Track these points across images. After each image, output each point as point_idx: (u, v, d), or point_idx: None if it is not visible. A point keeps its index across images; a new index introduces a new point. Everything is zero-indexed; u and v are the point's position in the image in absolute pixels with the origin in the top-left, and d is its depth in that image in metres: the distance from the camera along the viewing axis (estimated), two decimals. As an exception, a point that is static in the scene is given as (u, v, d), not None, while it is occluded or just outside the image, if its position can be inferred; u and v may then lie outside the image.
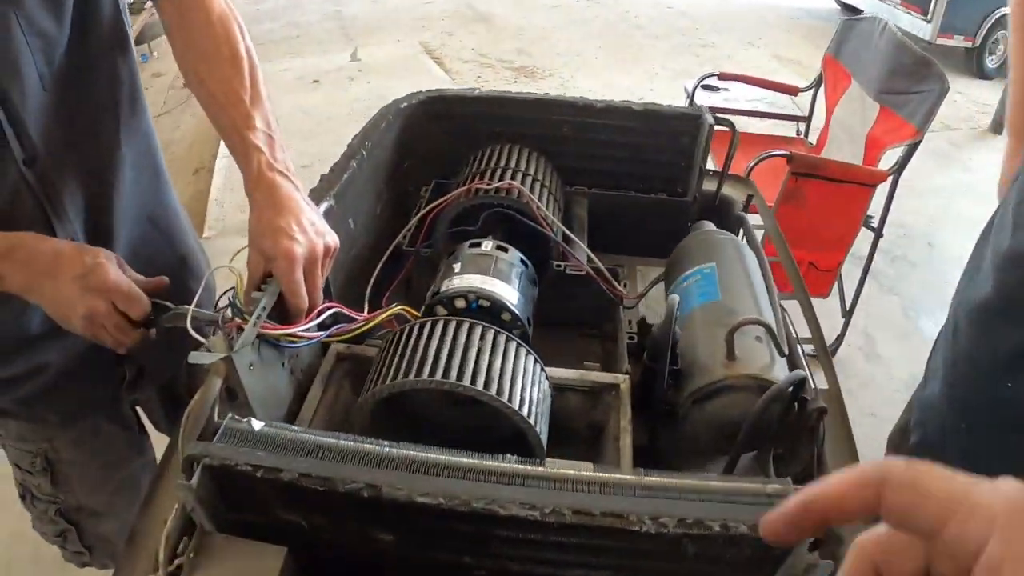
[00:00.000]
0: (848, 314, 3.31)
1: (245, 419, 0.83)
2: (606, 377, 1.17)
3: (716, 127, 1.55)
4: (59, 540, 1.65)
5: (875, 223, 3.10)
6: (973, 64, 6.36)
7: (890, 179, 2.92)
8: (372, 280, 1.31)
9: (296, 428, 0.83)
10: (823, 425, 1.06)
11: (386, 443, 0.81)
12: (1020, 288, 1.12)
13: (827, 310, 3.26)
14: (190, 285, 1.52)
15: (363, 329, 1.15)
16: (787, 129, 4.03)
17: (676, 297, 1.16)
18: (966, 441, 1.24)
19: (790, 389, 1.02)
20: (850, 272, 3.25)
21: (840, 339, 3.37)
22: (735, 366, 1.10)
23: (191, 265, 1.54)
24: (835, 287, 3.21)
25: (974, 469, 0.71)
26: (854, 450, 1.10)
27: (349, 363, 1.21)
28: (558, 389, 1.15)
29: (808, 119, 3.84)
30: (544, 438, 1.02)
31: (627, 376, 1.17)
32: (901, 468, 0.42)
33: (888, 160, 2.99)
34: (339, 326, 1.12)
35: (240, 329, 0.95)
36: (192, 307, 0.99)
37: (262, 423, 0.83)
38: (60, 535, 1.63)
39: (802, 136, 3.86)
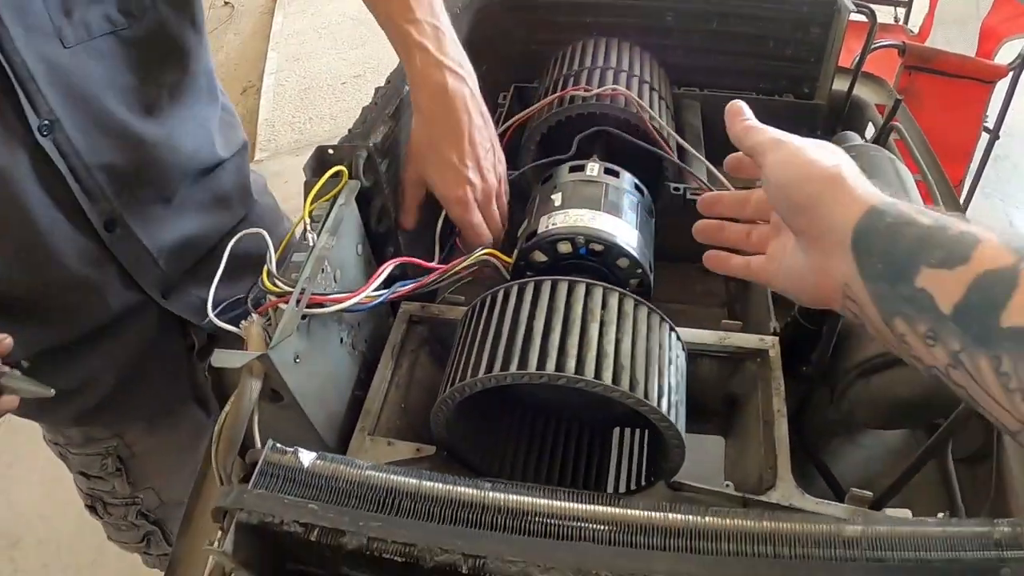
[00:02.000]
0: (956, 221, 3.06)
1: (292, 449, 0.60)
2: (751, 341, 0.92)
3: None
4: (142, 546, 1.55)
5: (988, 124, 2.80)
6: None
7: (1010, 75, 2.64)
8: (442, 217, 1.04)
9: (361, 463, 0.59)
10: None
11: (487, 483, 0.57)
12: None
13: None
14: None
15: (441, 283, 0.92)
16: (883, 15, 3.63)
17: None
18: None
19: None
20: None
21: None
22: None
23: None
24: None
25: None
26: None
27: (424, 328, 0.96)
28: (690, 355, 0.90)
29: (908, 4, 3.47)
30: (683, 429, 0.77)
31: (776, 338, 0.92)
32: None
33: (1005, 54, 2.72)
34: (405, 283, 0.88)
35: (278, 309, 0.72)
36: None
37: (313, 455, 0.59)
38: (143, 540, 1.53)
39: (901, 23, 3.50)
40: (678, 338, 0.84)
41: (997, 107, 2.74)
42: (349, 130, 0.98)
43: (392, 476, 0.57)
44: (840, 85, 1.41)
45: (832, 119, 1.43)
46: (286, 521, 0.55)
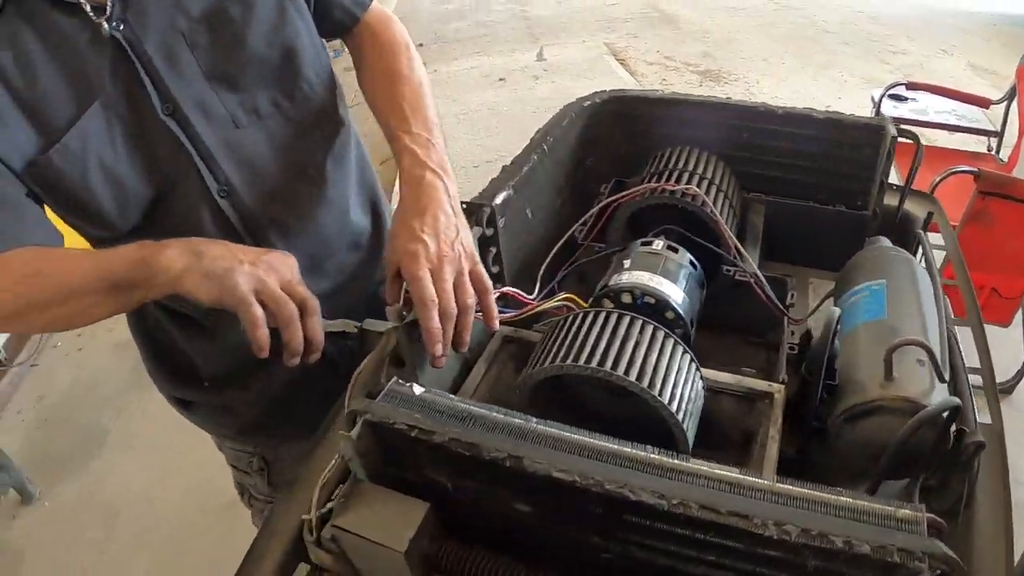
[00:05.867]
0: (1032, 345, 3.08)
1: (408, 383, 0.90)
2: (761, 384, 1.18)
3: (899, 139, 1.52)
4: None
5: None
6: None
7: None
8: (543, 267, 1.37)
9: (453, 396, 0.89)
10: (978, 461, 1.02)
11: (533, 419, 0.86)
12: None
13: (1009, 340, 3.09)
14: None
15: (530, 314, 1.21)
16: (977, 144, 3.86)
17: (836, 310, 1.15)
18: None
19: (944, 415, 0.98)
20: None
21: (1021, 373, 3.16)
22: (891, 387, 1.06)
23: None
24: (1018, 316, 3.01)
25: None
26: (1007, 490, 1.05)
27: (515, 346, 1.28)
28: (714, 392, 1.17)
29: (1000, 134, 3.65)
30: (691, 435, 1.04)
31: (783, 386, 1.17)
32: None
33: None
34: (505, 311, 1.18)
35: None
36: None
37: (423, 388, 0.89)
38: None
39: (993, 152, 3.69)
40: (697, 368, 1.11)
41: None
42: (480, 192, 1.32)
43: (471, 406, 0.87)
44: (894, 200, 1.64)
45: (886, 229, 1.61)
46: (397, 422, 0.84)
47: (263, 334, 1.02)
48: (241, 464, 1.69)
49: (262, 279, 1.03)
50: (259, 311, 1.02)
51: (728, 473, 0.81)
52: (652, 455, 0.82)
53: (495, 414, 0.86)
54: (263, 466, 1.65)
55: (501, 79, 6.91)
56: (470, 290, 1.11)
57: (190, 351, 1.43)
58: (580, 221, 1.47)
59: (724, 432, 1.20)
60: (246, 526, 1.82)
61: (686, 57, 7.19)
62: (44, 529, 3.33)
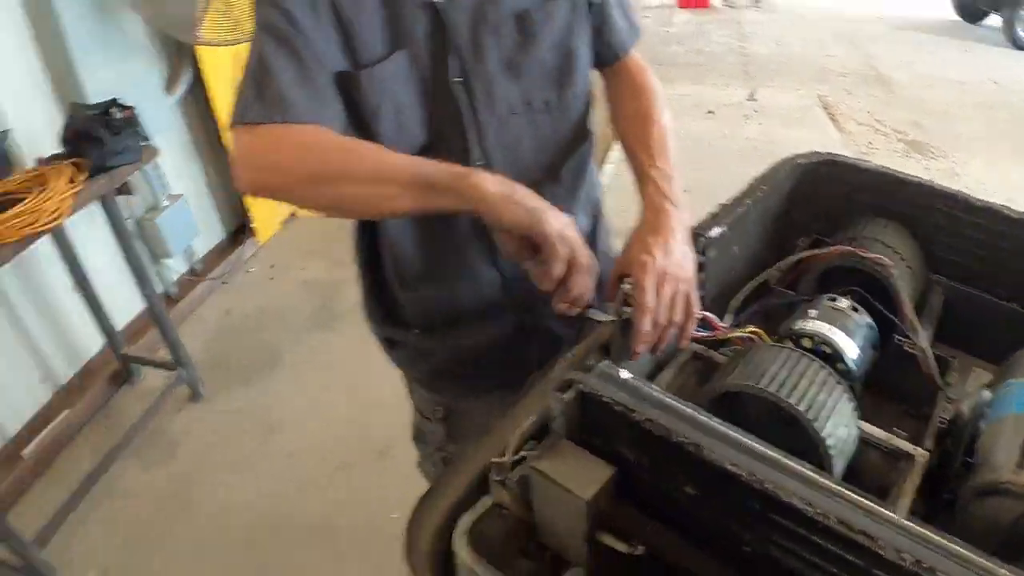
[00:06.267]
0: None
1: (617, 368, 1.09)
2: (907, 446, 1.30)
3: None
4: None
5: None
6: None
7: None
8: (738, 301, 1.54)
9: (654, 387, 1.08)
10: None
11: (716, 420, 1.04)
12: None
13: None
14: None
15: (719, 338, 1.38)
16: None
17: (988, 394, 1.25)
18: None
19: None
20: None
21: None
22: (1023, 473, 1.13)
23: None
24: None
25: None
26: None
27: (701, 363, 1.45)
28: (865, 443, 1.30)
29: None
30: (838, 473, 1.19)
31: (927, 452, 1.29)
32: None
33: None
34: (699, 331, 1.36)
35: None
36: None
37: (630, 375, 1.08)
38: None
39: None
40: (858, 416, 1.25)
41: None
42: (699, 223, 1.49)
43: (667, 398, 1.06)
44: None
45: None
46: (605, 396, 1.04)
47: (560, 269, 1.21)
48: (426, 411, 1.88)
49: (567, 226, 1.23)
50: (563, 249, 1.20)
51: (867, 501, 0.95)
52: (808, 471, 0.98)
53: (687, 408, 1.04)
54: (445, 415, 1.84)
55: (710, 111, 7.00)
56: (680, 309, 1.27)
57: (404, 301, 1.67)
58: (776, 267, 1.63)
59: (863, 483, 1.31)
60: (394, 478, 1.99)
61: (896, 123, 7.08)
62: (204, 427, 3.67)
